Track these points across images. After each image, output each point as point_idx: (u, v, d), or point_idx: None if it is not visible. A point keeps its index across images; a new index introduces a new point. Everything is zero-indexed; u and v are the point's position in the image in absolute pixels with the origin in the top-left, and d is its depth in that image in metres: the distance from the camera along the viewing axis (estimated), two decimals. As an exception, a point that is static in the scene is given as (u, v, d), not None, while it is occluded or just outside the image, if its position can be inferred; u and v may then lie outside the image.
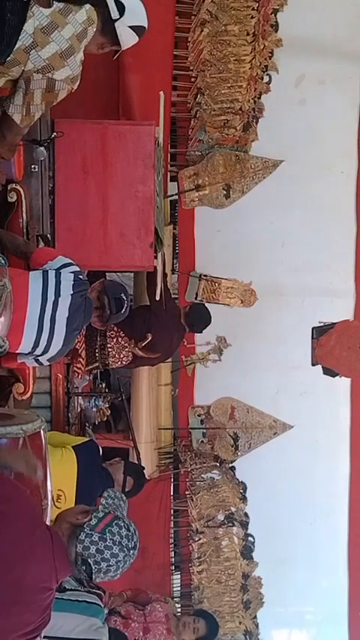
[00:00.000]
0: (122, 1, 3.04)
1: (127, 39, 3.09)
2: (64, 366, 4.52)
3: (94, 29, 2.96)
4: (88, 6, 2.96)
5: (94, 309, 3.64)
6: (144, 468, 4.55)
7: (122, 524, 2.39)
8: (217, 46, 5.60)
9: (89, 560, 2.32)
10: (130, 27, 3.06)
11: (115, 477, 4.05)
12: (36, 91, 2.82)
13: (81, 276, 3.50)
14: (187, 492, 6.03)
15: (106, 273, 5.14)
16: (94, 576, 2.35)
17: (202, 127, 5.86)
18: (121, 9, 3.03)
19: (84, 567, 2.33)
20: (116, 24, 3.02)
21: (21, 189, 3.76)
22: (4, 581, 2.17)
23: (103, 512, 2.42)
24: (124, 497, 2.48)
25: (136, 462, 4.73)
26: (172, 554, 6.07)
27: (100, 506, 2.45)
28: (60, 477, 3.35)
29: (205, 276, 6.08)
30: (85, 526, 2.36)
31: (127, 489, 4.07)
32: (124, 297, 3.70)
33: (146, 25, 3.14)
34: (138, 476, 4.24)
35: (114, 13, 3.01)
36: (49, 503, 3.03)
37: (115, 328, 4.78)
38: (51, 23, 2.79)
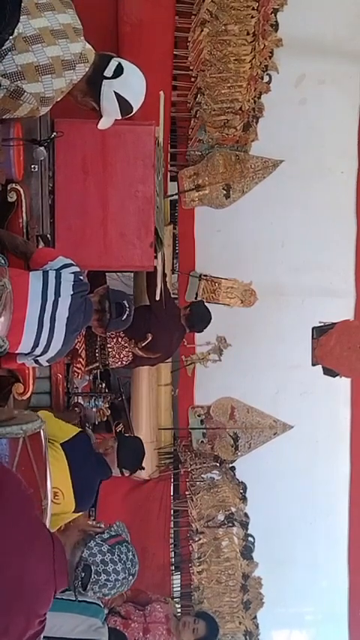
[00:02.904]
0: (124, 67, 2.93)
1: (108, 105, 2.94)
2: (64, 366, 4.51)
3: (85, 70, 2.83)
4: (88, 46, 2.84)
5: (94, 312, 3.63)
6: (142, 444, 4.50)
7: (130, 549, 2.40)
8: (217, 46, 5.59)
9: (91, 567, 2.31)
10: (115, 94, 2.92)
11: (111, 467, 4.09)
12: None
13: (81, 277, 3.50)
14: (187, 492, 6.03)
15: (106, 273, 5.14)
16: (88, 586, 2.32)
17: (202, 126, 5.86)
18: (118, 72, 2.90)
19: (82, 574, 2.31)
20: (104, 81, 2.89)
21: (21, 189, 3.75)
22: (4, 579, 2.16)
23: (116, 533, 2.42)
24: (129, 536, 2.50)
25: (132, 440, 4.69)
26: (172, 554, 6.07)
27: (112, 528, 2.46)
28: (54, 476, 3.36)
29: (205, 276, 6.08)
30: (97, 536, 2.37)
31: (126, 475, 4.20)
32: (126, 304, 3.69)
33: (134, 107, 2.99)
34: (133, 465, 4.26)
35: (108, 70, 2.89)
36: (49, 503, 3.03)
37: (115, 328, 4.78)
38: (36, 36, 2.65)
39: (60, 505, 3.72)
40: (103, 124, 3.06)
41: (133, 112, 3.04)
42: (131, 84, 2.97)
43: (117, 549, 2.35)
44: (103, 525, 2.51)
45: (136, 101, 3.01)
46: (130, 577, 2.36)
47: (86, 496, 3.95)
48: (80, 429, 4.11)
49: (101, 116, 3.02)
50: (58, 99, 2.85)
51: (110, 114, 3.01)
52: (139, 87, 3.01)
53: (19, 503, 2.29)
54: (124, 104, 2.97)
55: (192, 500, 5.99)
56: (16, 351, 3.41)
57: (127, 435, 5.00)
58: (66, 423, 4.12)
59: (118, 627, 4.95)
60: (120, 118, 3.05)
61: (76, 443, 3.91)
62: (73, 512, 3.89)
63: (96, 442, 4.22)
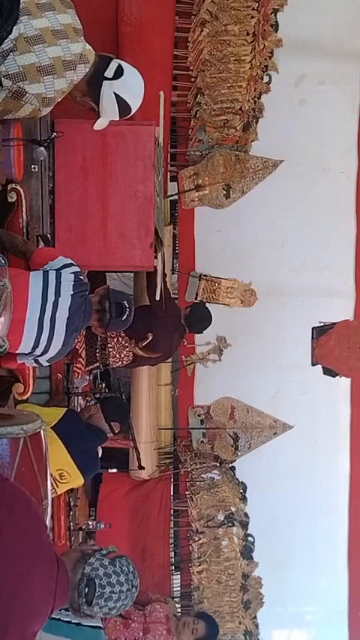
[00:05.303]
0: (125, 69, 2.94)
1: (107, 105, 2.95)
2: (64, 365, 4.52)
3: (86, 70, 2.84)
4: (89, 46, 2.85)
5: (94, 312, 3.64)
6: (122, 399, 4.54)
7: (130, 562, 2.42)
8: (217, 46, 5.59)
9: (95, 581, 2.31)
10: (115, 95, 2.93)
11: (102, 428, 4.16)
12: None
13: (81, 277, 3.50)
14: (187, 492, 6.03)
15: (106, 273, 5.14)
16: (94, 601, 2.32)
17: (202, 127, 5.86)
18: (118, 74, 2.92)
19: (86, 589, 2.31)
20: (104, 82, 2.91)
21: (21, 189, 3.76)
22: (3, 599, 2.15)
23: (113, 550, 2.44)
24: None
25: (112, 397, 4.76)
26: (172, 554, 6.07)
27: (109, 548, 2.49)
28: (54, 460, 3.39)
29: (205, 276, 6.07)
30: (96, 552, 2.38)
31: (116, 431, 4.26)
32: (126, 304, 3.70)
33: (132, 108, 3.01)
34: (122, 417, 4.32)
35: (109, 71, 2.90)
36: (50, 503, 3.03)
37: (116, 328, 4.78)
38: (37, 36, 2.65)
39: (69, 483, 3.93)
40: (100, 124, 3.07)
41: (131, 113, 3.05)
42: (131, 86, 2.99)
43: (118, 562, 2.36)
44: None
45: (135, 103, 3.03)
46: (134, 589, 2.37)
47: (90, 467, 4.11)
48: (66, 408, 4.16)
49: (99, 116, 3.03)
50: (59, 99, 2.85)
51: (108, 115, 3.02)
52: (138, 89, 3.02)
53: (28, 524, 2.28)
54: (123, 105, 2.98)
55: (192, 500, 5.99)
56: (17, 351, 3.42)
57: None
58: (50, 408, 4.17)
59: (118, 627, 4.95)
60: (118, 119, 3.06)
61: (65, 423, 3.99)
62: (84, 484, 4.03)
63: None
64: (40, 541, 2.30)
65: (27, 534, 2.25)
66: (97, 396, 5.08)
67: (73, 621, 3.32)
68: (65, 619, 3.11)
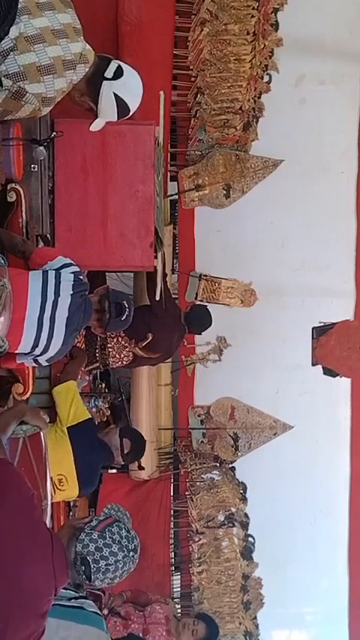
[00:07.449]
0: (124, 69, 2.93)
1: (106, 105, 2.94)
2: (63, 366, 4.50)
3: (85, 70, 2.82)
4: (88, 46, 2.83)
5: (93, 312, 3.64)
6: (144, 439, 4.53)
7: (122, 527, 2.39)
8: (217, 46, 5.59)
9: (88, 558, 2.31)
10: (115, 95, 2.92)
11: (111, 443, 4.14)
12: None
13: (81, 277, 3.50)
14: (187, 493, 6.02)
15: (106, 273, 5.13)
16: (92, 577, 2.33)
17: (202, 126, 5.85)
18: (118, 74, 2.91)
19: (83, 567, 2.32)
20: (104, 82, 2.89)
21: (20, 189, 3.75)
22: (3, 583, 2.15)
23: (105, 516, 2.42)
24: (128, 515, 2.50)
25: (136, 432, 4.73)
26: (172, 554, 6.07)
27: (102, 513, 2.47)
28: (57, 463, 3.38)
29: (205, 276, 6.07)
30: (85, 527, 2.37)
31: (126, 451, 4.19)
32: (125, 304, 3.69)
33: (131, 109, 3.00)
34: (135, 437, 4.30)
35: (109, 71, 2.89)
36: (49, 503, 3.03)
37: (116, 328, 4.78)
38: (38, 35, 2.63)
39: (65, 491, 3.89)
40: (97, 125, 3.06)
41: (129, 114, 3.05)
42: (131, 86, 2.98)
43: (107, 532, 2.36)
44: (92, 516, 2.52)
45: (134, 104, 3.02)
46: (132, 553, 2.36)
47: (90, 481, 4.07)
48: (89, 416, 4.15)
49: (97, 117, 3.03)
50: (59, 99, 2.85)
51: (107, 115, 3.01)
52: (137, 90, 3.02)
53: (20, 505, 2.28)
54: (122, 106, 2.98)
55: (192, 500, 5.99)
56: (16, 351, 3.41)
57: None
58: (80, 408, 4.15)
59: (118, 628, 4.94)
60: (116, 119, 3.05)
61: (82, 428, 3.99)
62: (78, 496, 4.05)
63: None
64: (34, 520, 2.30)
65: (19, 519, 2.25)
66: (120, 426, 5.04)
67: (75, 605, 3.32)
68: (67, 604, 3.11)
